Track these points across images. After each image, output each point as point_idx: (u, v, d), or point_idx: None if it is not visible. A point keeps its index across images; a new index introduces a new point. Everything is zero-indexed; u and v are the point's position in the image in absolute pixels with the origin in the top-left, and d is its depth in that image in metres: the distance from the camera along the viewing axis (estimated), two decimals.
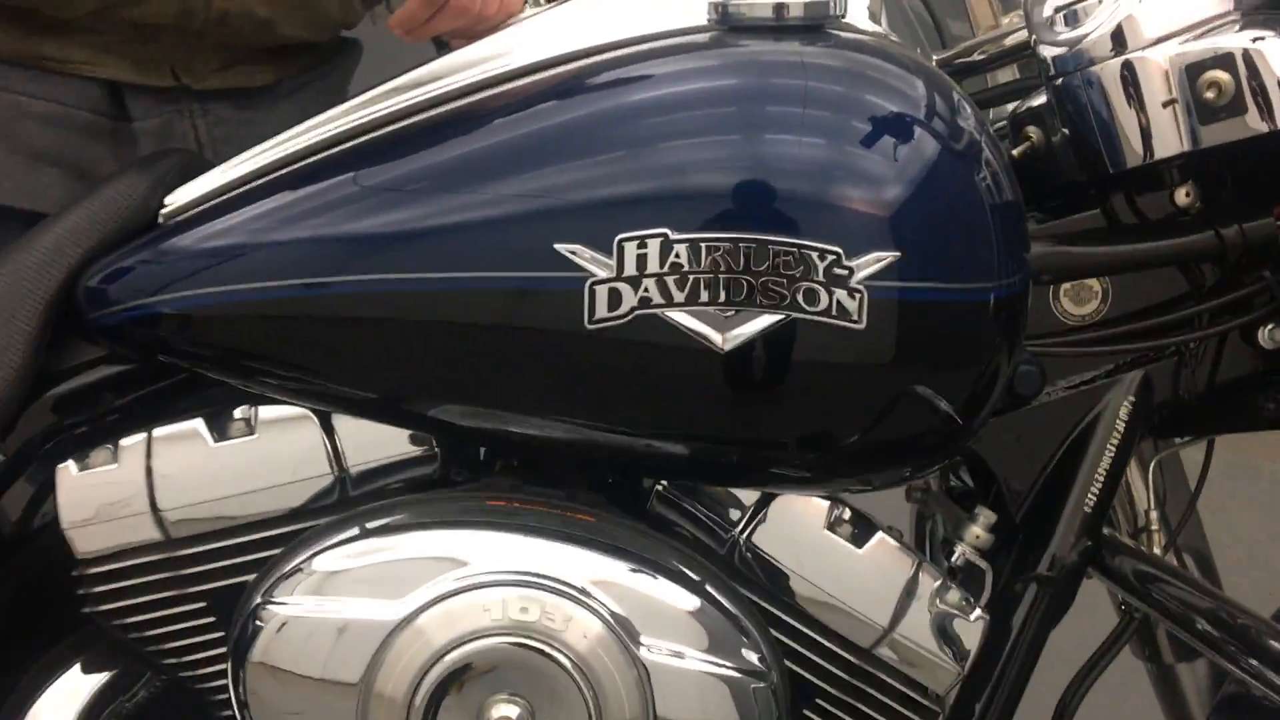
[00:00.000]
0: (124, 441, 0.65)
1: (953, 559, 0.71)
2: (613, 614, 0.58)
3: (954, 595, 0.67)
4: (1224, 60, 0.64)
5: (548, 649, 0.57)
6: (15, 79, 0.87)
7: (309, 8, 0.92)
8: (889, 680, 0.66)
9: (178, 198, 0.68)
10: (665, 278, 0.56)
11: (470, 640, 0.57)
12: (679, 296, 0.56)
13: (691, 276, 0.55)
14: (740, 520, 0.66)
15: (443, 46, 0.89)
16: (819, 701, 0.67)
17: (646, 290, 0.56)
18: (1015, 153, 0.72)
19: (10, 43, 0.86)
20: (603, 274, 0.56)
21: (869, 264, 0.56)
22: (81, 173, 0.89)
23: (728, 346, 0.57)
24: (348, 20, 0.98)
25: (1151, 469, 0.82)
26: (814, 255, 0.55)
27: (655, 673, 0.58)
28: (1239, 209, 0.70)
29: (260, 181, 0.66)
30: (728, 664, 0.59)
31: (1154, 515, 0.81)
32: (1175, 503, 0.86)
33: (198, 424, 0.65)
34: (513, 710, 0.57)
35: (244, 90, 0.94)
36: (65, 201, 0.77)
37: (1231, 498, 1.91)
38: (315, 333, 0.63)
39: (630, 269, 0.56)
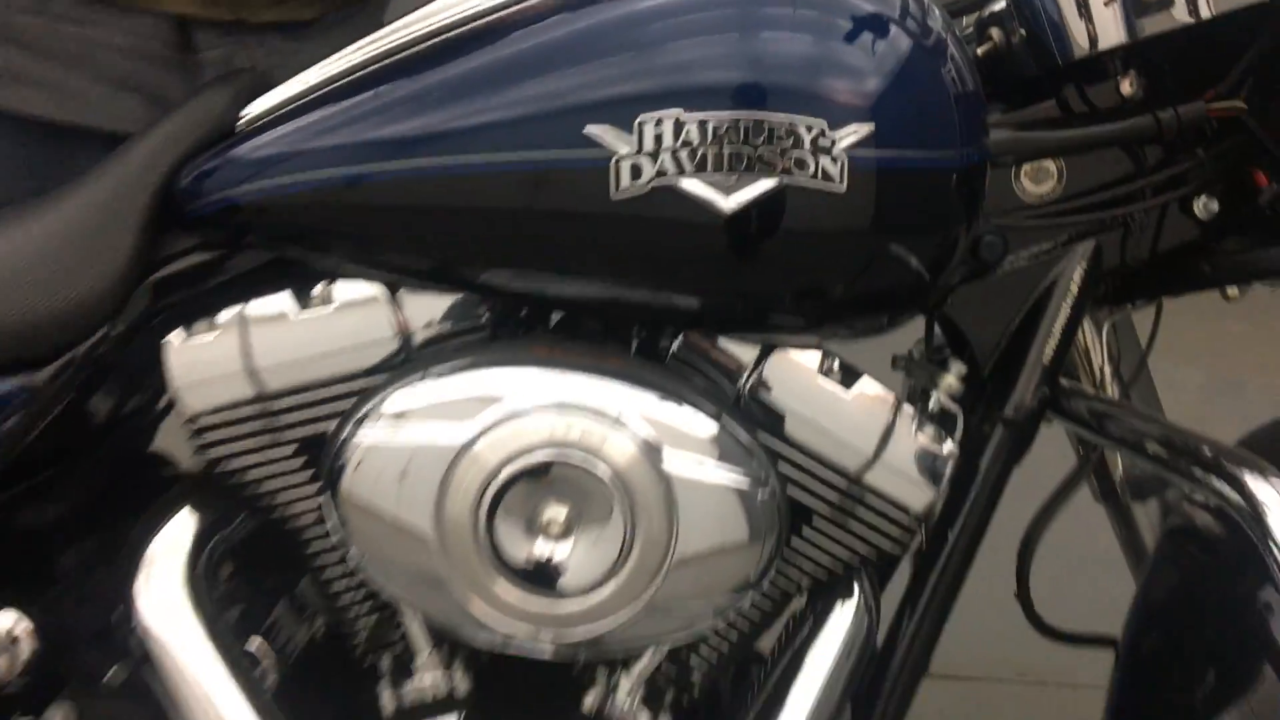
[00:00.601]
0: (221, 315, 0.77)
1: (929, 404, 0.82)
2: (642, 434, 0.70)
3: (930, 430, 0.79)
4: None
5: (587, 463, 0.69)
6: (98, 15, 0.98)
7: None
8: (874, 502, 0.78)
9: (252, 109, 0.79)
10: (678, 151, 0.67)
11: (522, 455, 0.69)
12: (689, 167, 0.67)
13: (700, 150, 0.67)
14: (745, 371, 0.77)
15: None
16: (814, 525, 0.79)
17: (662, 163, 0.67)
18: (979, 51, 0.82)
19: None
20: (626, 150, 0.67)
21: (848, 134, 0.67)
22: (156, 99, 1.00)
23: (730, 209, 0.68)
24: None
25: (1105, 331, 0.93)
26: (802, 128, 0.66)
27: (677, 484, 0.70)
28: (1176, 95, 0.81)
29: (322, 91, 0.77)
30: (739, 478, 0.71)
31: (1108, 370, 0.93)
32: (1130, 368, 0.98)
33: (283, 297, 0.76)
34: (560, 512, 0.69)
35: (293, 24, 1.05)
36: (143, 123, 0.88)
37: (1215, 413, 2.03)
38: (377, 214, 0.75)
39: (649, 145, 0.67)
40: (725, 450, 0.71)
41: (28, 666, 0.81)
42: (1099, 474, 0.98)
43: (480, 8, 0.74)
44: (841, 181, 0.67)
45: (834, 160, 0.67)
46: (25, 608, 0.81)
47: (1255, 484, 0.70)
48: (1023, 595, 0.94)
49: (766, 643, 0.86)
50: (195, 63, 1.02)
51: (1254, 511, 0.70)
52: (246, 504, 0.79)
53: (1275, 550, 0.69)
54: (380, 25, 1.00)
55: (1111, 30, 0.77)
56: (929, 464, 0.79)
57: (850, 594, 0.81)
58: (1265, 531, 0.69)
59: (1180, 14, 0.75)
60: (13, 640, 0.81)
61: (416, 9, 0.79)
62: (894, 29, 0.71)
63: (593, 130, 0.67)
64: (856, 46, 0.70)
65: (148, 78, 1.00)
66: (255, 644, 0.79)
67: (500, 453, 0.69)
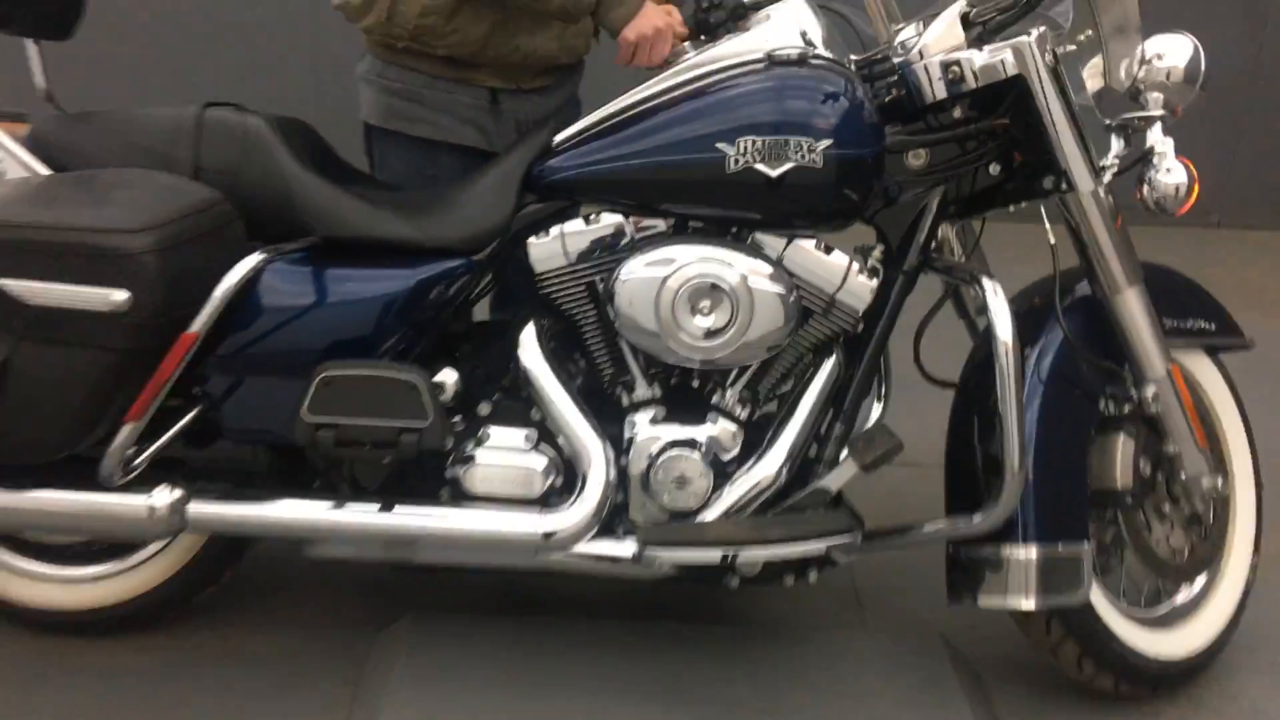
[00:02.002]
0: (551, 229, 1.75)
1: (867, 261, 1.79)
2: (740, 270, 1.67)
3: (866, 274, 1.75)
4: (953, 61, 1.70)
5: (718, 280, 1.66)
6: (453, 87, 1.98)
7: (576, 48, 2.02)
8: (839, 307, 1.75)
9: (561, 135, 1.78)
10: (753, 152, 1.64)
11: (690, 278, 1.67)
12: (756, 159, 1.65)
13: (761, 151, 1.64)
14: (781, 247, 1.75)
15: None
16: (812, 318, 1.76)
17: (747, 157, 1.65)
18: (887, 100, 1.79)
19: (451, 71, 1.96)
20: (731, 152, 1.65)
21: (821, 143, 1.63)
22: (480, 128, 2.00)
23: (774, 175, 1.65)
24: (585, 52, 2.08)
25: (955, 230, 1.91)
26: (803, 140, 1.63)
27: (756, 292, 1.67)
28: (981, 115, 1.77)
29: (597, 126, 1.75)
30: (781, 290, 1.68)
31: (956, 249, 1.91)
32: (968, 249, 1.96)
33: (578, 221, 1.74)
34: (706, 300, 1.67)
35: (542, 88, 2.05)
36: (476, 141, 1.90)
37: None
38: (623, 184, 1.72)
39: (741, 149, 1.65)
40: (774, 281, 1.69)
41: (454, 397, 1.78)
42: (955, 299, 1.97)
43: (672, 83, 1.72)
44: (820, 164, 1.65)
45: (815, 154, 1.64)
46: (456, 366, 1.79)
47: (990, 290, 1.68)
48: (916, 361, 1.93)
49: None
50: (498, 110, 2.02)
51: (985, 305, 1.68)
52: (561, 316, 1.78)
53: (999, 339, 1.66)
54: (576, 89, 2.03)
55: (940, 90, 1.73)
56: (865, 291, 1.76)
57: (831, 353, 1.79)
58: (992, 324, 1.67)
59: (969, 86, 1.71)
60: (442, 386, 1.79)
61: (611, 79, 1.79)
62: (842, 93, 1.68)
63: (719, 144, 1.65)
64: (826, 103, 1.67)
65: (475, 116, 2.01)
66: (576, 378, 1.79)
67: (681, 277, 1.67)
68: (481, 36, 1.92)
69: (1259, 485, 2.03)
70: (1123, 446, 1.83)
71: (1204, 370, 1.99)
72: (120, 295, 1.49)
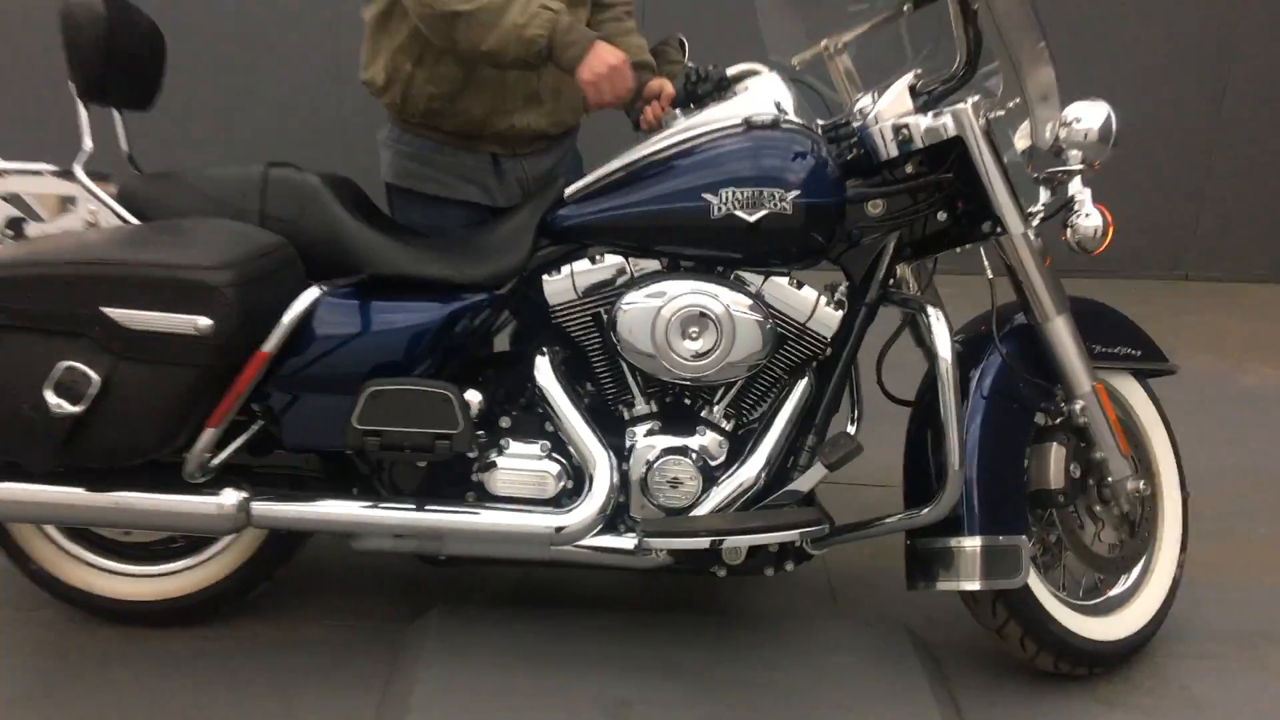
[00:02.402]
0: (562, 269, 2.05)
1: (835, 295, 2.09)
2: (724, 301, 1.97)
3: (832, 306, 2.05)
4: (903, 125, 2.02)
5: (705, 309, 1.96)
6: (459, 154, 2.28)
7: (565, 121, 2.33)
8: (810, 333, 2.04)
9: (570, 189, 2.08)
10: (733, 201, 1.94)
11: (681, 307, 1.96)
12: (736, 207, 1.95)
13: (740, 200, 1.94)
14: (758, 284, 2.04)
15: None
16: (787, 342, 2.05)
17: (728, 206, 1.95)
18: (848, 159, 2.10)
19: (457, 140, 2.27)
20: (714, 201, 1.95)
21: (791, 193, 1.93)
22: (484, 188, 2.30)
23: (752, 221, 1.95)
24: (574, 124, 2.40)
25: (913, 270, 2.21)
26: (775, 190, 1.94)
27: (738, 320, 1.96)
28: (930, 169, 2.08)
29: (600, 180, 2.06)
30: (759, 319, 1.98)
31: (912, 285, 2.21)
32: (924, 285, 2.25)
33: (585, 261, 2.04)
34: (695, 326, 1.96)
35: (540, 151, 2.36)
36: (479, 197, 2.22)
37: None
38: (626, 230, 2.03)
39: (723, 199, 1.95)
40: (753, 311, 1.98)
41: (479, 414, 2.07)
42: (912, 328, 2.26)
43: (664, 144, 2.02)
44: (790, 211, 1.95)
45: (786, 203, 1.95)
46: (480, 388, 2.08)
47: (934, 317, 1.98)
48: (879, 382, 2.22)
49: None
50: (500, 171, 2.32)
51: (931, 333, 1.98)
52: (570, 343, 2.08)
53: (940, 358, 1.96)
54: (571, 149, 2.35)
55: (893, 148, 2.04)
56: (832, 320, 2.05)
57: (804, 374, 2.09)
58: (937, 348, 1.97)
59: (918, 143, 2.02)
60: (469, 404, 2.07)
61: (604, 141, 2.10)
62: (809, 152, 1.99)
63: (705, 195, 1.96)
64: (795, 159, 1.98)
65: (479, 177, 2.31)
66: (583, 397, 2.09)
67: (674, 307, 1.97)
68: (482, 116, 2.23)
69: (1185, 493, 2.32)
70: (1055, 452, 2.11)
71: (1131, 390, 2.28)
72: (204, 321, 1.79)
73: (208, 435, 1.91)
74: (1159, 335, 2.30)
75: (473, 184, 2.32)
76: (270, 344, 1.89)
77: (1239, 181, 5.19)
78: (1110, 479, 2.13)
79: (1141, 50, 4.98)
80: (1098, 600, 2.22)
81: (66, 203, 2.03)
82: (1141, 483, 2.14)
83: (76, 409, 1.79)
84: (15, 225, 2.01)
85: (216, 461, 1.96)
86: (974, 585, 1.99)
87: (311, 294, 1.94)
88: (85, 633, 2.21)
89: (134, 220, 2.00)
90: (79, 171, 2.00)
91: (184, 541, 2.19)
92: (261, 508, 1.98)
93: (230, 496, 1.96)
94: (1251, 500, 2.99)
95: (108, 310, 1.79)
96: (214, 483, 1.98)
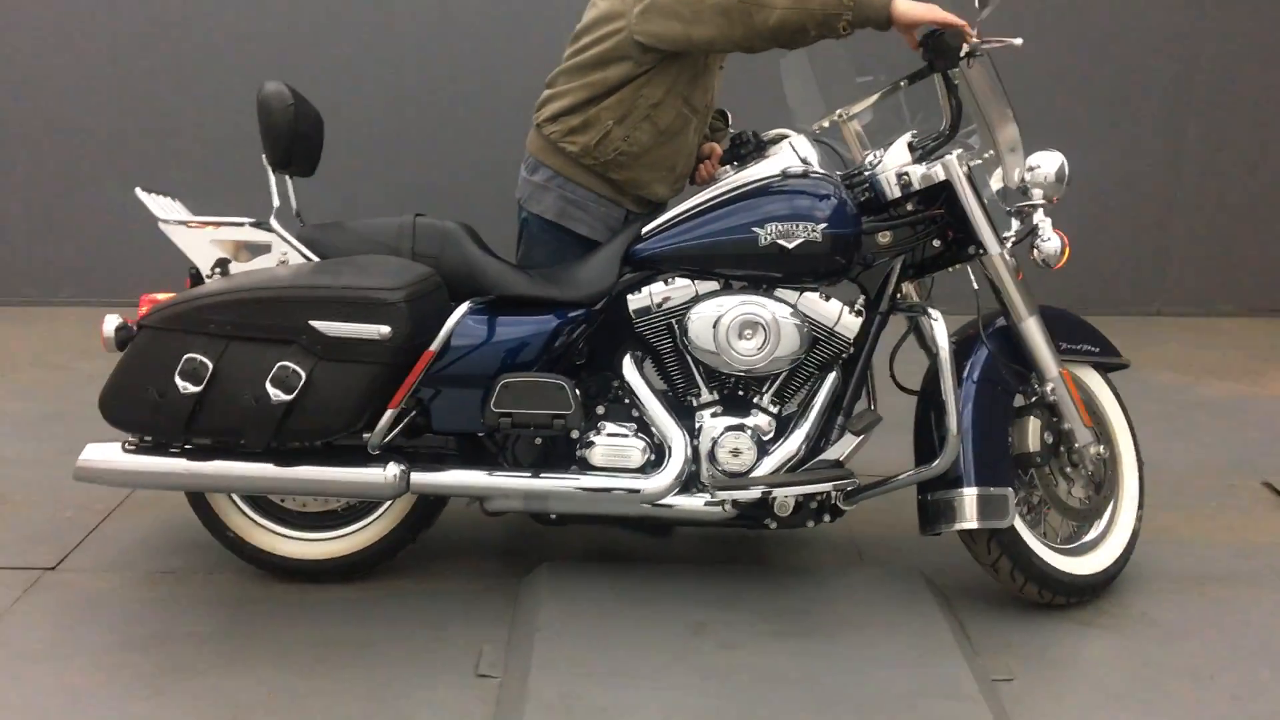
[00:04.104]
0: (641, 291, 2.64)
1: (854, 307, 2.68)
2: (770, 310, 2.56)
3: (853, 315, 2.64)
4: (904, 172, 2.63)
5: (758, 316, 2.55)
6: (608, 204, 2.85)
7: (677, 190, 2.93)
8: (837, 336, 2.63)
9: (648, 228, 2.69)
10: (777, 234, 2.54)
11: (738, 315, 2.55)
12: (778, 237, 2.54)
13: (781, 233, 2.54)
14: (796, 297, 2.63)
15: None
16: (817, 343, 2.64)
17: (772, 237, 2.55)
18: (862, 200, 2.71)
19: (611, 193, 2.84)
20: (761, 234, 2.55)
21: (820, 226, 2.54)
22: (612, 232, 2.88)
23: (789, 248, 2.55)
24: (681, 191, 3.00)
25: (916, 285, 2.80)
26: (806, 224, 2.54)
27: (781, 324, 2.55)
28: (926, 206, 2.68)
29: (666, 222, 2.67)
30: (798, 323, 2.56)
31: (916, 298, 2.80)
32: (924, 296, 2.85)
33: (660, 283, 2.64)
34: (749, 330, 2.55)
35: (653, 212, 2.95)
36: (600, 240, 2.81)
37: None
38: (692, 258, 2.62)
39: (769, 232, 2.54)
40: (793, 318, 2.58)
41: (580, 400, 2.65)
42: (916, 333, 2.85)
43: (718, 191, 2.64)
44: (820, 240, 2.55)
45: (817, 234, 2.55)
46: (579, 383, 2.66)
47: (935, 318, 2.57)
48: (892, 376, 2.81)
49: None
50: (626, 223, 2.89)
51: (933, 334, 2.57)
52: (648, 347, 2.66)
53: (941, 349, 2.55)
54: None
55: (895, 190, 2.65)
56: (853, 325, 2.64)
57: (833, 369, 2.67)
58: (938, 346, 2.56)
59: (915, 186, 2.63)
60: (561, 387, 2.65)
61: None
62: (833, 195, 2.60)
63: (754, 229, 2.56)
64: (822, 200, 2.58)
65: (612, 225, 2.87)
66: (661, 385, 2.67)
67: (731, 315, 2.56)
68: (646, 181, 2.81)
69: (1140, 462, 2.89)
70: (1032, 424, 2.69)
71: (1092, 379, 2.87)
72: (384, 329, 2.38)
73: (388, 415, 2.50)
74: (1130, 358, 2.93)
75: (608, 229, 2.88)
76: (436, 344, 2.48)
77: (1202, 223, 5.79)
78: (1076, 445, 2.70)
79: (1101, 106, 5.60)
80: (1074, 545, 2.78)
81: (253, 248, 2.65)
82: (1101, 448, 2.72)
83: (288, 397, 2.38)
84: (222, 264, 2.61)
85: (388, 438, 2.53)
86: (972, 525, 2.56)
87: (464, 307, 2.53)
88: (264, 587, 2.77)
89: (315, 258, 2.60)
90: (274, 223, 2.61)
91: (346, 512, 2.76)
92: (418, 477, 2.56)
93: (393, 468, 2.53)
94: (1204, 481, 3.56)
95: (314, 322, 2.38)
96: (379, 459, 2.55)
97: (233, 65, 5.47)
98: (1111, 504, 2.83)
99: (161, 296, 2.53)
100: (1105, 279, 5.55)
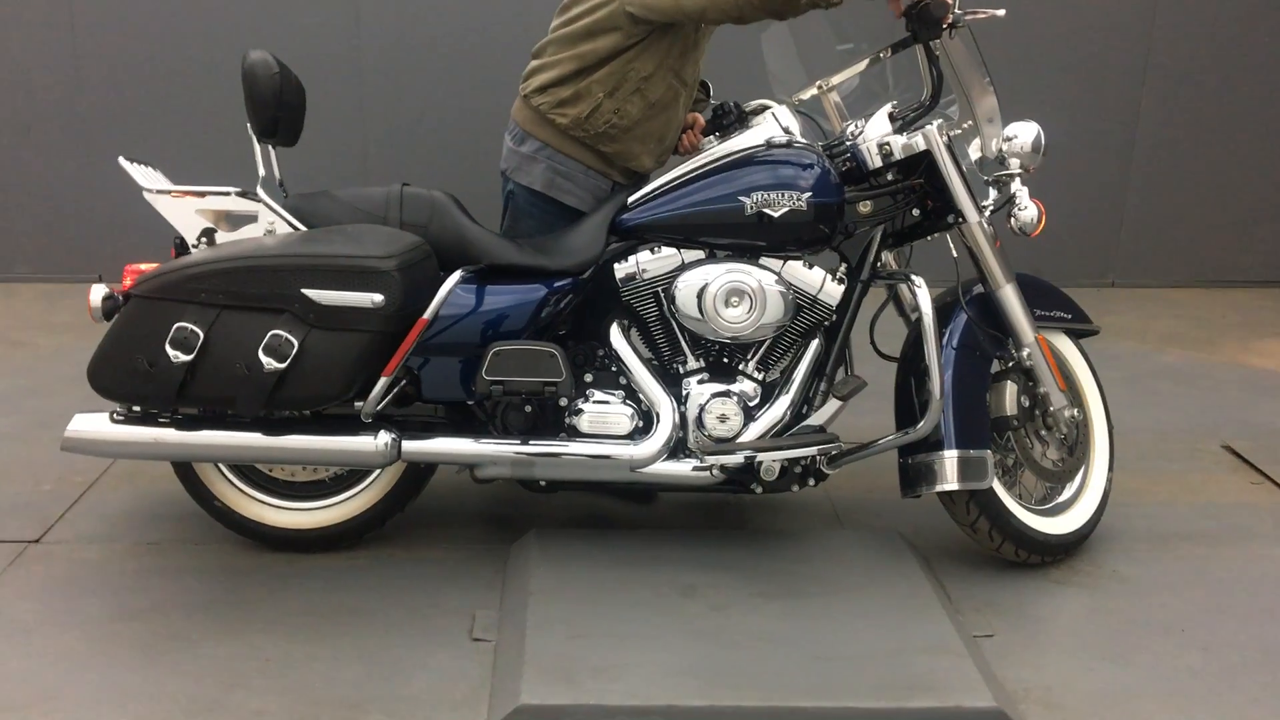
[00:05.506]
0: (628, 258, 2.67)
1: (836, 275, 2.73)
2: (756, 277, 2.60)
3: (834, 282, 2.69)
4: (885, 142, 2.68)
5: (743, 284, 2.59)
6: (596, 176, 2.87)
7: (661, 162, 2.95)
8: (819, 303, 2.68)
9: (634, 197, 2.72)
10: (761, 202, 2.58)
11: (724, 283, 2.59)
12: (762, 205, 2.58)
13: (765, 202, 2.58)
14: (781, 264, 2.68)
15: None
16: (800, 311, 2.69)
17: (758, 205, 2.58)
18: (843, 170, 2.75)
19: (600, 165, 2.86)
20: (747, 202, 2.59)
21: (804, 195, 2.58)
22: (599, 198, 2.90)
23: (775, 215, 2.59)
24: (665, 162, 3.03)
25: (895, 253, 2.86)
26: (791, 193, 2.58)
27: (767, 290, 2.60)
28: (906, 175, 2.74)
29: (652, 192, 2.70)
30: (782, 289, 2.61)
31: (895, 267, 2.86)
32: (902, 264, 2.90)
33: (646, 253, 2.67)
34: (735, 298, 2.59)
35: (638, 183, 2.97)
36: (589, 208, 2.82)
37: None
38: (674, 226, 2.66)
39: (754, 200, 2.58)
40: (777, 285, 2.62)
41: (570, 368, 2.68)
42: (895, 302, 2.91)
43: (703, 161, 2.67)
44: (805, 208, 2.59)
45: (800, 202, 2.59)
46: (567, 350, 2.69)
47: (918, 284, 2.63)
48: (872, 343, 2.86)
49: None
50: (612, 193, 2.92)
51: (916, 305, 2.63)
52: (635, 315, 2.70)
53: (924, 314, 2.61)
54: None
55: (876, 159, 2.70)
56: (835, 293, 2.69)
57: (816, 336, 2.72)
58: (921, 311, 2.62)
59: (897, 156, 2.68)
60: (552, 354, 2.68)
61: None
62: (815, 164, 2.64)
63: (739, 198, 2.60)
64: (805, 170, 2.63)
65: (599, 195, 2.90)
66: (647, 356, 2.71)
67: (718, 283, 2.60)
68: (636, 153, 2.84)
69: (1110, 425, 2.97)
70: (1009, 389, 2.76)
71: (1065, 345, 2.94)
72: (377, 297, 2.38)
73: (382, 383, 2.51)
74: None
75: (595, 199, 2.90)
76: (429, 312, 2.50)
77: (1155, 196, 5.92)
78: (1051, 408, 2.78)
79: (1065, 79, 5.70)
80: (1048, 505, 2.86)
81: (236, 218, 2.64)
82: (1075, 410, 2.80)
83: (281, 366, 2.38)
84: (208, 234, 2.60)
85: (380, 406, 2.55)
86: (953, 486, 2.62)
87: (457, 274, 2.55)
88: (253, 557, 2.77)
89: (303, 228, 2.60)
90: (261, 192, 2.60)
91: (334, 481, 2.77)
92: (409, 445, 2.57)
93: (385, 436, 2.55)
94: (1168, 446, 3.67)
95: (306, 291, 2.38)
96: (370, 427, 2.56)
97: (196, 32, 5.38)
98: (1083, 466, 2.92)
99: (145, 266, 2.52)
100: (1060, 250, 5.66)
